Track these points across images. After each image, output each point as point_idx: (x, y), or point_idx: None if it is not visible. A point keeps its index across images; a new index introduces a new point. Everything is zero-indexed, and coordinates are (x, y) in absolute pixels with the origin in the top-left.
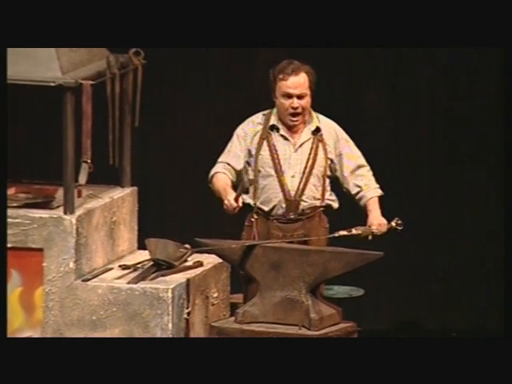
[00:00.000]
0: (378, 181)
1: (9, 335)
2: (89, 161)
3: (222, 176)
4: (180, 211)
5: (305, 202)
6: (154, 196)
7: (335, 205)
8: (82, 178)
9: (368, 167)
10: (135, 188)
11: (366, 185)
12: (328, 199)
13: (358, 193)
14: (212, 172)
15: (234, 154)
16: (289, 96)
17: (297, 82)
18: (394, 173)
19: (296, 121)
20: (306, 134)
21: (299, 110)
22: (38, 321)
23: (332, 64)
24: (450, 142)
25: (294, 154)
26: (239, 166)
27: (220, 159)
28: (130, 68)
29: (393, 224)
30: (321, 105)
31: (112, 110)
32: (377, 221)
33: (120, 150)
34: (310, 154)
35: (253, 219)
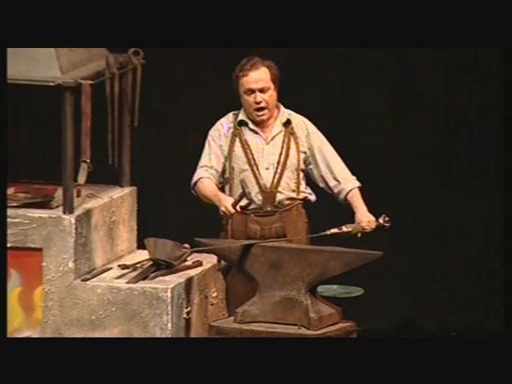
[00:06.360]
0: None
1: (8, 335)
2: (88, 160)
3: (208, 181)
4: (180, 211)
5: (281, 193)
6: (153, 196)
7: (312, 198)
8: (81, 178)
9: (340, 159)
10: (134, 188)
11: (343, 178)
12: (303, 192)
13: (335, 186)
14: (195, 178)
15: (213, 155)
16: (251, 91)
17: (257, 77)
18: (394, 172)
19: (262, 115)
20: (276, 127)
21: (263, 104)
22: (37, 320)
23: (332, 64)
24: (450, 141)
25: (267, 147)
26: (220, 166)
27: (200, 164)
28: (129, 68)
29: (380, 221)
30: (321, 104)
31: (111, 110)
32: (365, 218)
33: (119, 150)
34: (282, 148)
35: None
